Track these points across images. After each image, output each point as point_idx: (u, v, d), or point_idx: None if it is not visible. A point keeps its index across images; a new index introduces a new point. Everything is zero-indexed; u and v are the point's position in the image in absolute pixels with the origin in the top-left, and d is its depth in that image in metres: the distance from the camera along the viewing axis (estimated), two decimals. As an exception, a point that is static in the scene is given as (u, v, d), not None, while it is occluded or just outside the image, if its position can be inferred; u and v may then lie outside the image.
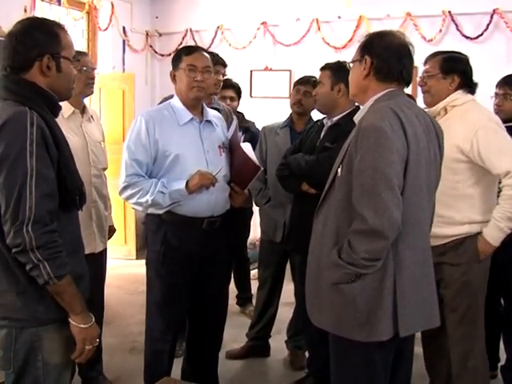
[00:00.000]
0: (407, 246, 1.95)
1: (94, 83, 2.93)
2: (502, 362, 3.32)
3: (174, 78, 2.74)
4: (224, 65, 3.64)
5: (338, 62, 2.95)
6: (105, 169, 3.06)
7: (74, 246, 1.90)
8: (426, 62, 2.75)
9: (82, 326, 1.82)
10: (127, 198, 2.68)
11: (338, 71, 2.89)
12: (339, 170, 1.99)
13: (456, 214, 2.57)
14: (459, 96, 2.64)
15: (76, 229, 1.96)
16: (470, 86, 2.67)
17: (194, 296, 2.78)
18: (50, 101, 1.82)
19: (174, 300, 2.72)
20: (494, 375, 3.31)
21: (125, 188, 2.64)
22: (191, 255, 2.68)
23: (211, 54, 2.99)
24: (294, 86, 3.53)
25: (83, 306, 1.84)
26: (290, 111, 3.69)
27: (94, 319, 1.88)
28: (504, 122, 3.07)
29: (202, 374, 2.89)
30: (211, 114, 2.84)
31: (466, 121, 2.57)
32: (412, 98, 2.86)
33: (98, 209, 2.94)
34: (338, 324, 1.98)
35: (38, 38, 1.79)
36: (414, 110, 2.03)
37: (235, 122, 2.94)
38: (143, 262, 6.14)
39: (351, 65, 2.15)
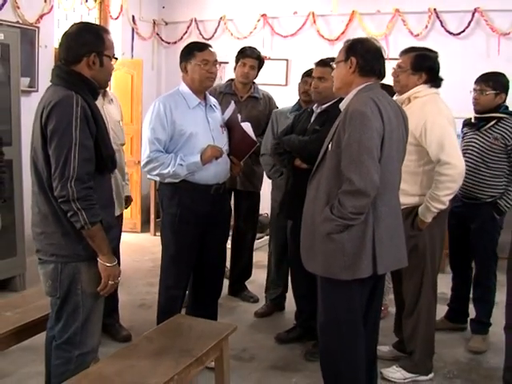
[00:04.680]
0: (383, 204, 2.44)
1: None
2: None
3: (185, 68, 3.16)
4: None
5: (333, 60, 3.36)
6: (123, 144, 3.52)
7: (106, 202, 2.35)
8: (400, 55, 3.13)
9: (108, 264, 2.26)
10: (150, 170, 3.10)
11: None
12: (329, 145, 2.47)
13: (408, 187, 2.96)
14: (422, 89, 3.02)
15: (107, 188, 2.42)
16: (435, 81, 3.05)
17: (199, 250, 3.23)
18: (91, 87, 2.27)
19: (186, 253, 3.18)
20: (463, 328, 3.89)
21: (148, 162, 3.07)
22: (201, 216, 3.14)
23: None
24: (302, 77, 3.89)
25: (109, 249, 2.28)
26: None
27: (116, 261, 2.32)
28: (480, 113, 3.56)
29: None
30: (211, 99, 3.30)
31: (421, 111, 2.94)
32: (391, 88, 3.19)
33: (117, 179, 3.36)
34: (329, 267, 2.46)
35: (88, 38, 2.24)
36: (387, 99, 2.53)
37: (233, 105, 3.40)
38: (148, 234, 6.68)
39: (334, 65, 2.63)
